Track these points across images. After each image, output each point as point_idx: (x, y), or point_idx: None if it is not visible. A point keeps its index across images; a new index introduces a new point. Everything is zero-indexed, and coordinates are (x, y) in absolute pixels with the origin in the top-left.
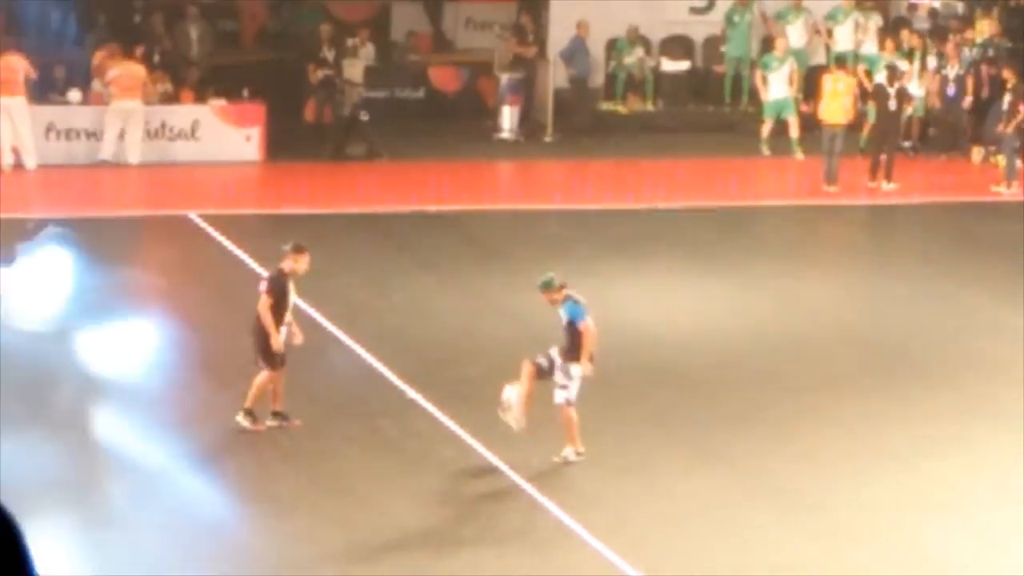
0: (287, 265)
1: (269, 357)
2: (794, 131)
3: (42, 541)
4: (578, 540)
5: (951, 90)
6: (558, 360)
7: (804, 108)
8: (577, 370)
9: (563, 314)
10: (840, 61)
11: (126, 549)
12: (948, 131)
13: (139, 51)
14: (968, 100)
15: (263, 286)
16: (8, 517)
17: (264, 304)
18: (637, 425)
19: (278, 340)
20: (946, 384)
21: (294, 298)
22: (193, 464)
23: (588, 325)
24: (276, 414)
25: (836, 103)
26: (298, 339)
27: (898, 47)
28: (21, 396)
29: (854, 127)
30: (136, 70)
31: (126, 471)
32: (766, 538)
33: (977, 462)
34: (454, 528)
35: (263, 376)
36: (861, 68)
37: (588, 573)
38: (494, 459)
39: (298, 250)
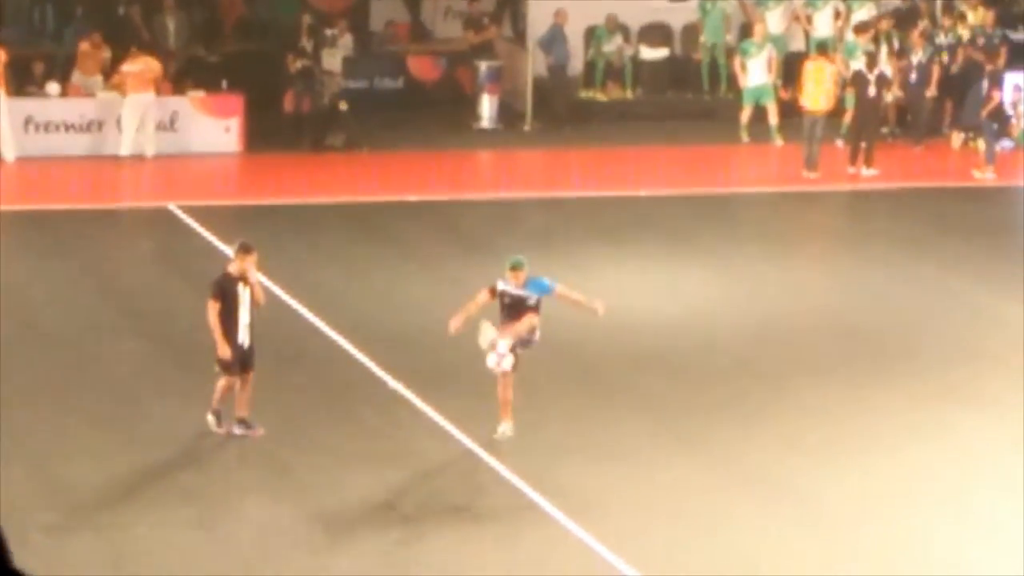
0: (233, 267)
1: (220, 362)
2: (773, 118)
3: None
4: (559, 526)
5: (913, 77)
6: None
7: (783, 94)
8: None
9: (529, 292)
10: (821, 48)
11: (118, 544)
12: (916, 117)
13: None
14: (933, 87)
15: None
16: None
17: (210, 309)
18: (619, 412)
19: (224, 347)
20: (928, 369)
21: (272, 290)
22: (172, 456)
23: (562, 287)
24: (241, 421)
25: (818, 90)
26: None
27: (876, 34)
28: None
29: (835, 114)
30: (153, 64)
31: (107, 464)
32: (748, 524)
33: (960, 447)
34: (435, 515)
35: (221, 379)
36: (839, 56)
37: (569, 559)
38: (474, 447)
39: (244, 250)
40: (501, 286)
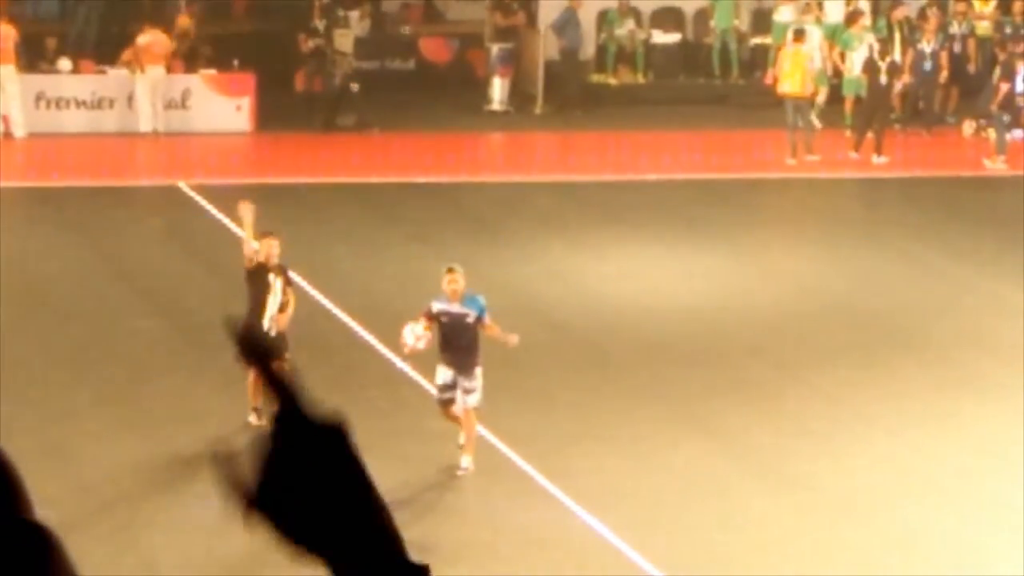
0: (260, 252)
1: None
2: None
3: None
4: (566, 511)
5: (927, 66)
6: (460, 376)
7: (767, 80)
8: (479, 371)
9: (468, 308)
10: (797, 34)
11: (127, 522)
12: (928, 105)
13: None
14: (944, 75)
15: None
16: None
17: None
18: (629, 397)
19: None
20: (935, 357)
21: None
22: (182, 434)
23: (488, 317)
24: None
25: (791, 75)
26: (282, 324)
27: (890, 22)
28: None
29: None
30: (163, 39)
31: (116, 440)
32: (754, 510)
33: (966, 435)
34: (442, 499)
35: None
36: (837, 51)
37: (576, 544)
38: (483, 431)
39: (262, 236)
40: (436, 307)
